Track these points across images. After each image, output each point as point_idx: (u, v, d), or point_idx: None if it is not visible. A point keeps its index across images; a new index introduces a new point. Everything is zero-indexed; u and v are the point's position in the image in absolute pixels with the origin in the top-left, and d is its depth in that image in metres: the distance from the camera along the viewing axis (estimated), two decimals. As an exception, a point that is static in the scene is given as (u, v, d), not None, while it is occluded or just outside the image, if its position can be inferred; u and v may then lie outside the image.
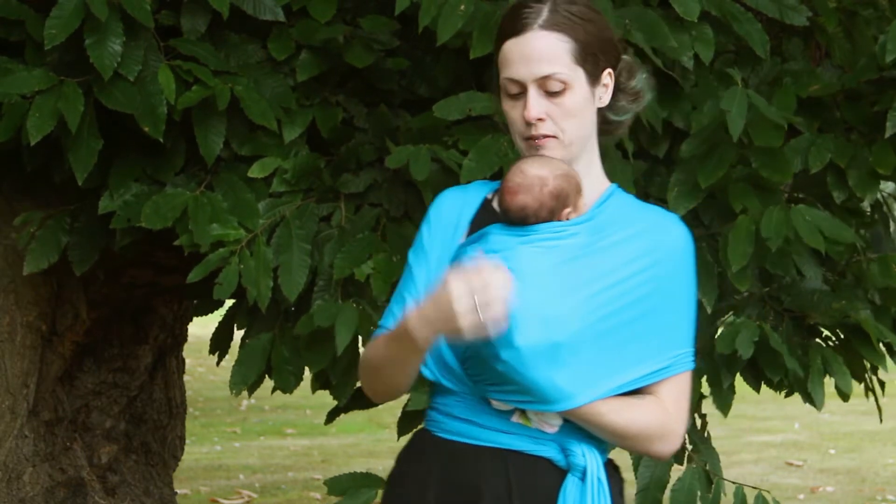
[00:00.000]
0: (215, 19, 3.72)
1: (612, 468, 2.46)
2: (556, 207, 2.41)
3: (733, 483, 3.88)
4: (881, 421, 4.19)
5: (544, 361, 2.31)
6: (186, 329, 5.08)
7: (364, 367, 2.49)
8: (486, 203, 2.51)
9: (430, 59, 3.89)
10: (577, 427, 2.38)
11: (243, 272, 3.55)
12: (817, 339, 3.89)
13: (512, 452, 2.38)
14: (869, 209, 4.09)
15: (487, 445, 2.39)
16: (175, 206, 3.58)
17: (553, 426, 2.38)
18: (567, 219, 2.42)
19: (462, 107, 3.60)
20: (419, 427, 2.53)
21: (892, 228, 4.30)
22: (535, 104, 2.42)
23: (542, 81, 2.41)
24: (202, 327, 7.69)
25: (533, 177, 2.42)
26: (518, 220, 2.42)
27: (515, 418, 2.38)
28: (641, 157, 3.77)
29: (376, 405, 4.04)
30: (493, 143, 3.57)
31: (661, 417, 2.40)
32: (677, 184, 3.64)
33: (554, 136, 2.43)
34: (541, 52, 2.41)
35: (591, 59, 2.43)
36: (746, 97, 3.47)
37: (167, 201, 3.59)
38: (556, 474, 2.39)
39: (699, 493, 3.80)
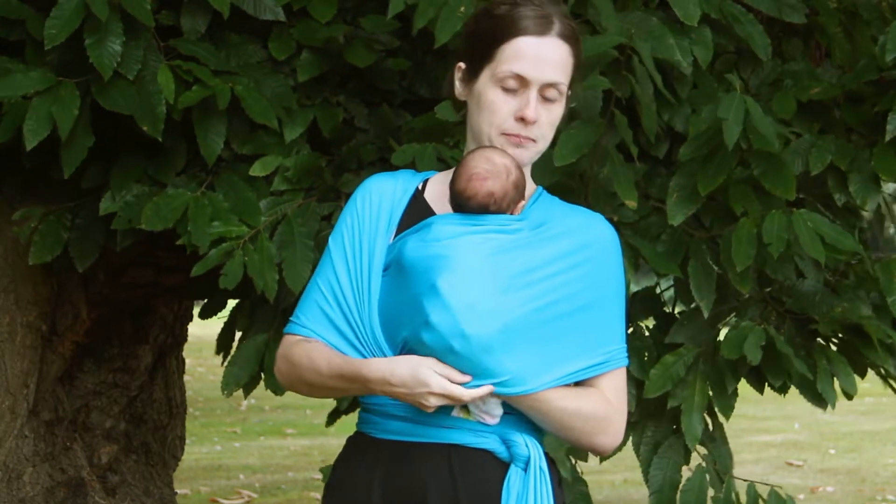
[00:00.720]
0: (215, 19, 3.72)
1: (549, 459, 2.48)
2: (515, 197, 2.45)
3: (744, 481, 3.88)
4: None
5: (495, 347, 2.34)
6: (186, 329, 5.08)
7: (293, 368, 2.49)
8: (417, 194, 2.52)
9: (430, 59, 3.89)
10: (517, 419, 2.41)
11: (248, 264, 3.55)
12: (819, 340, 3.89)
13: (454, 447, 2.40)
14: (872, 213, 4.09)
15: (429, 441, 2.40)
16: (175, 207, 3.58)
17: (495, 417, 2.40)
18: (519, 211, 2.46)
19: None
20: (353, 432, 2.54)
21: (892, 230, 4.29)
22: (535, 106, 2.44)
23: (546, 87, 2.45)
24: (202, 327, 7.69)
25: (500, 164, 2.44)
26: (481, 206, 2.43)
27: (456, 412, 2.40)
28: (641, 158, 3.76)
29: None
30: (494, 144, 3.57)
31: (606, 409, 2.43)
32: (677, 188, 3.64)
33: (534, 140, 2.47)
34: (556, 59, 2.45)
35: (575, 77, 2.50)
36: (744, 103, 3.46)
37: (167, 202, 3.59)
38: (499, 466, 2.41)
39: (710, 493, 3.80)
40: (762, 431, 11.63)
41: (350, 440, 2.54)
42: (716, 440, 3.94)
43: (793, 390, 3.92)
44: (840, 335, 3.90)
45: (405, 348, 2.39)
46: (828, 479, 9.39)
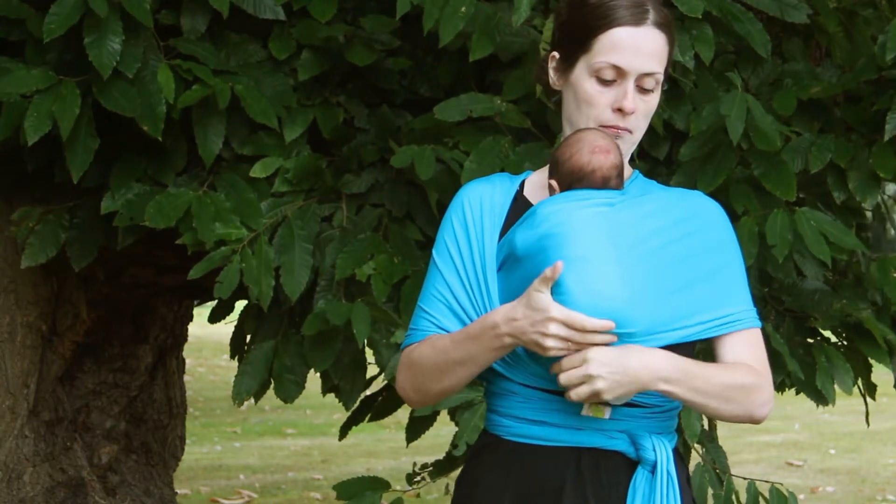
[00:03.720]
0: (215, 19, 3.72)
1: (678, 457, 2.46)
2: (624, 175, 2.46)
3: (744, 479, 3.88)
4: (868, 424, 4.20)
5: (622, 310, 2.30)
6: (186, 329, 5.08)
7: (417, 369, 2.45)
8: (517, 195, 2.50)
9: (431, 58, 3.89)
10: (647, 419, 2.38)
11: (245, 271, 3.55)
12: (818, 339, 3.89)
13: (583, 449, 2.37)
14: (871, 211, 4.09)
15: (558, 445, 2.38)
16: (178, 205, 3.58)
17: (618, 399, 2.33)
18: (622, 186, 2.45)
19: (463, 108, 3.60)
20: (482, 431, 2.52)
21: (892, 231, 4.29)
22: (633, 97, 2.42)
23: (643, 77, 2.42)
24: (202, 327, 7.69)
25: (612, 141, 2.44)
26: (605, 179, 2.41)
27: (585, 411, 2.36)
28: (642, 157, 3.76)
29: (384, 417, 4.05)
30: (493, 145, 3.57)
31: (756, 376, 2.39)
32: (677, 187, 3.64)
33: (630, 131, 2.45)
34: (653, 49, 2.42)
35: (668, 65, 2.48)
36: (745, 102, 3.46)
37: (170, 201, 3.59)
38: (628, 467, 2.38)
39: (710, 491, 3.80)
40: (762, 431, 11.62)
41: (480, 441, 2.52)
42: (714, 440, 3.94)
43: (793, 390, 3.92)
44: (840, 334, 3.91)
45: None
46: (828, 479, 9.39)
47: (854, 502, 8.57)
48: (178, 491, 5.58)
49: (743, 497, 3.84)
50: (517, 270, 2.40)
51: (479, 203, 2.49)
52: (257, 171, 3.70)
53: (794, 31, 4.07)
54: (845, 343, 3.91)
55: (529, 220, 2.41)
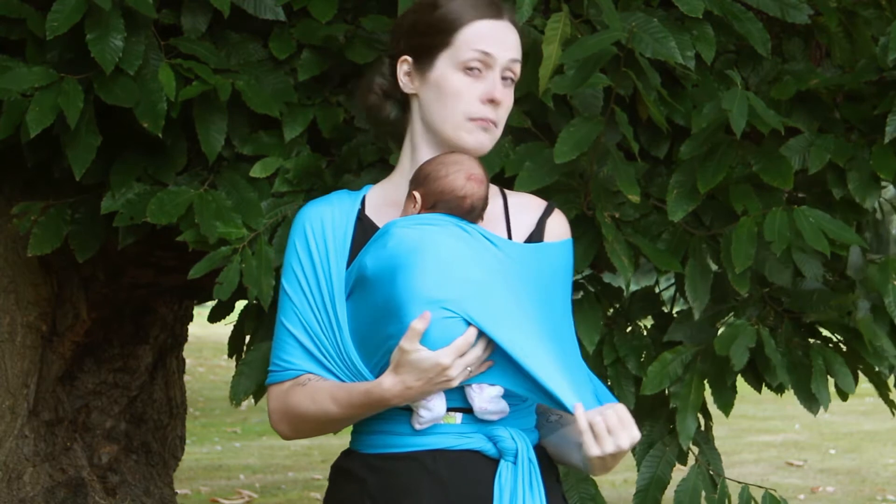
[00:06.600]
0: (216, 18, 3.73)
1: (542, 453, 2.48)
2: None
3: (738, 483, 3.88)
4: (894, 414, 4.19)
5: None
6: (187, 329, 5.08)
7: (294, 417, 2.45)
8: (360, 216, 2.49)
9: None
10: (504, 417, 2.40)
11: (245, 271, 3.55)
12: (817, 340, 3.89)
13: (439, 452, 2.38)
14: (873, 209, 4.09)
15: (414, 450, 2.38)
16: (180, 202, 3.58)
17: (496, 407, 2.37)
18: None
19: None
20: (345, 449, 2.53)
21: (893, 232, 4.30)
22: (500, 86, 2.45)
23: (508, 66, 2.48)
24: (202, 327, 7.69)
25: (486, 174, 2.49)
26: (472, 208, 2.45)
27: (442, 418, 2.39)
28: (641, 157, 3.76)
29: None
30: (493, 144, 3.58)
31: None
32: (677, 185, 3.65)
33: (496, 125, 2.48)
34: (514, 41, 2.50)
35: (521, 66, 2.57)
36: (746, 97, 3.47)
37: (172, 198, 3.59)
38: (488, 465, 2.39)
39: (704, 494, 3.80)
40: (762, 431, 11.64)
41: (341, 457, 2.53)
42: (709, 441, 3.94)
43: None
44: (837, 336, 3.90)
45: (384, 362, 2.36)
46: (828, 479, 9.40)
47: (854, 502, 8.57)
48: (178, 491, 5.58)
49: (735, 501, 3.83)
50: (368, 295, 2.39)
51: (321, 227, 2.47)
52: (257, 171, 3.71)
53: (795, 31, 4.07)
54: (843, 344, 3.91)
55: (381, 240, 2.40)
